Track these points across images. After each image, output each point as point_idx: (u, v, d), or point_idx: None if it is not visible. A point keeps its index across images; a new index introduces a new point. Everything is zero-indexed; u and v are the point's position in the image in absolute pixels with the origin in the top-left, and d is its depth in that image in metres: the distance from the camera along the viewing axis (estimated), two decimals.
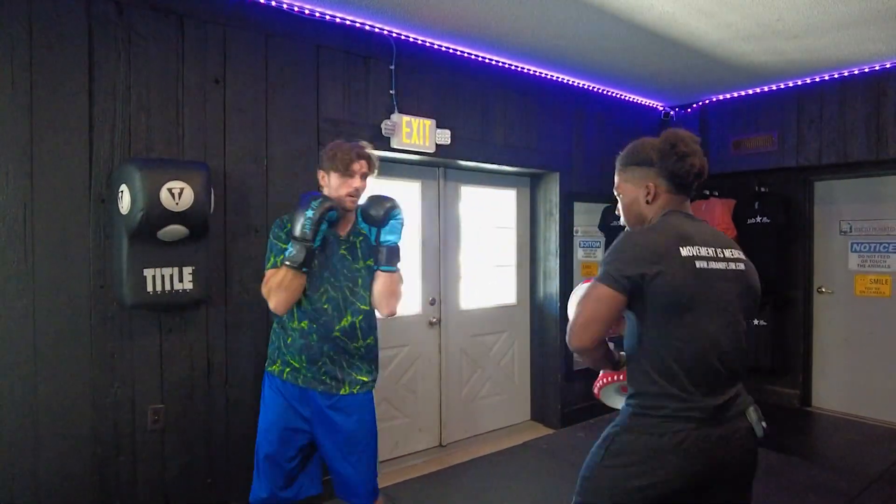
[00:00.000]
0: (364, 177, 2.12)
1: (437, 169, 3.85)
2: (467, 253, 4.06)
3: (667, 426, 1.42)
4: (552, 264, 4.25)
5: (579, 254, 5.06)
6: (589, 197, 4.53)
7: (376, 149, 3.23)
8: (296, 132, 2.96)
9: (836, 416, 4.60)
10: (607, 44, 3.50)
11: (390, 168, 3.62)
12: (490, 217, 4.24)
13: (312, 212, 1.95)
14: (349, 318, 2.09)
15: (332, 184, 2.09)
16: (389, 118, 3.23)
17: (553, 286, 4.26)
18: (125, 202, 2.23)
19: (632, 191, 1.68)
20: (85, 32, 2.37)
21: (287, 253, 1.97)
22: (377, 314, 2.21)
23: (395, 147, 3.25)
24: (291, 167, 2.94)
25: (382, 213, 2.08)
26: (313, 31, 2.99)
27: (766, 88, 4.44)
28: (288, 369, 2.10)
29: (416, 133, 3.30)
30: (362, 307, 2.12)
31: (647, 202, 1.64)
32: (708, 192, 5.06)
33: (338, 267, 2.10)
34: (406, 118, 3.26)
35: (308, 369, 2.08)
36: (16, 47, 2.23)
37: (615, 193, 1.75)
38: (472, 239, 4.09)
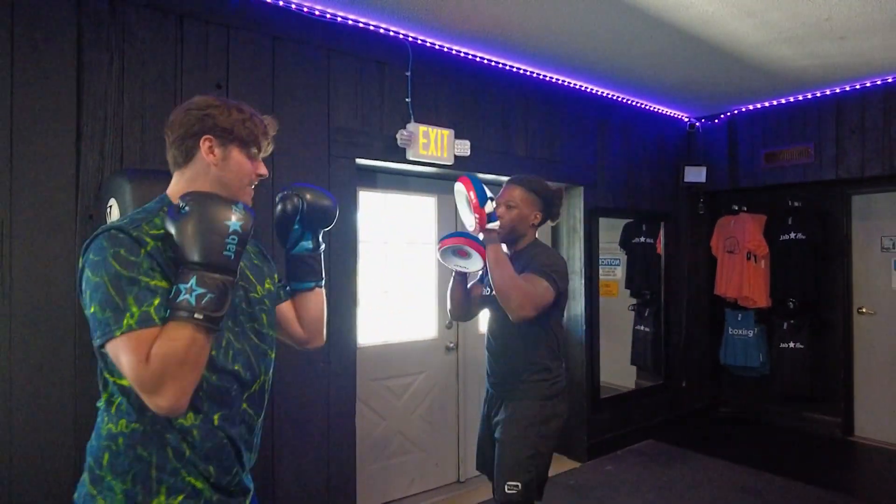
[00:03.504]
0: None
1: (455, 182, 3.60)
2: None
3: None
4: (576, 284, 3.98)
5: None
6: (615, 212, 4.27)
7: (391, 161, 3.04)
8: (304, 143, 2.72)
9: (881, 446, 4.27)
10: (636, 49, 3.27)
11: (405, 182, 3.38)
12: None
13: (239, 222, 1.12)
14: (262, 377, 1.30)
15: (229, 164, 1.23)
16: (405, 128, 2.99)
17: (578, 308, 3.97)
18: (114, 217, 1.98)
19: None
20: (74, 31, 2.15)
21: (188, 297, 1.05)
22: (304, 347, 1.55)
23: (412, 159, 3.01)
24: (300, 180, 2.69)
25: (335, 208, 1.48)
26: (324, 33, 2.77)
27: (801, 97, 4.19)
28: (181, 498, 1.15)
29: (433, 144, 3.06)
30: (272, 355, 1.35)
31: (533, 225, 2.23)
32: (737, 208, 4.82)
33: (234, 301, 1.26)
34: (423, 128, 3.02)
35: (216, 487, 1.20)
36: None
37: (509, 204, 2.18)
38: None
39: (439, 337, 3.55)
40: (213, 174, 1.23)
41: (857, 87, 3.92)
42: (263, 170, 1.31)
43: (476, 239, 2.13)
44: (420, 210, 3.51)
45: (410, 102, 3.04)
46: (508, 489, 2.00)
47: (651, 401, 4.59)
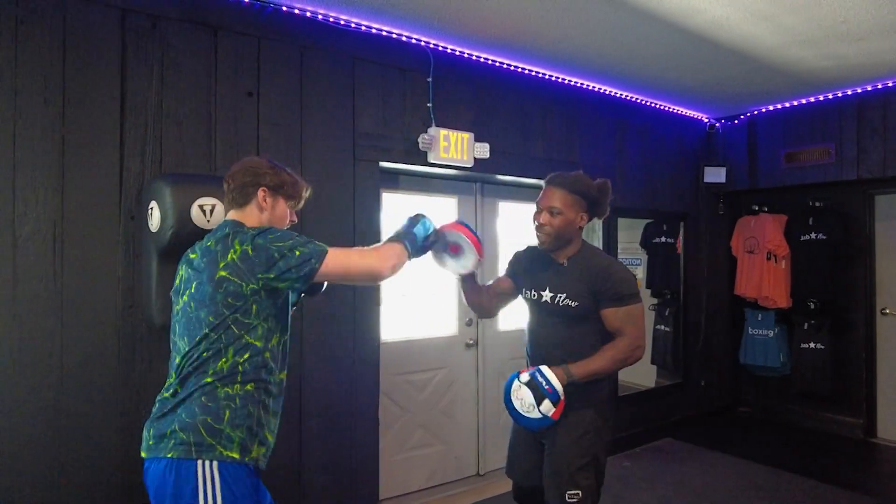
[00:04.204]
0: None
1: (475, 184, 3.71)
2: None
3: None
4: None
5: None
6: (633, 212, 4.33)
7: (413, 164, 3.15)
8: (331, 147, 2.85)
9: None
10: (653, 52, 3.33)
11: (426, 184, 3.50)
12: (529, 234, 4.06)
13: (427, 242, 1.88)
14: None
15: (276, 210, 1.69)
16: (427, 132, 3.11)
17: None
18: (155, 219, 2.13)
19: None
20: (118, 46, 2.32)
21: (406, 241, 1.76)
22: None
23: (432, 161, 3.13)
24: (326, 183, 2.83)
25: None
26: (349, 42, 2.90)
27: (822, 97, 4.19)
28: (263, 450, 1.60)
29: (453, 147, 3.17)
30: None
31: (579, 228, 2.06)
32: (757, 208, 4.82)
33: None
34: (444, 131, 3.13)
35: (273, 444, 1.67)
36: (49, 63, 2.18)
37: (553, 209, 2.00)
38: (510, 256, 3.91)
39: (459, 334, 3.65)
40: (265, 216, 1.67)
41: (879, 87, 3.91)
42: (295, 218, 1.78)
43: (471, 228, 2.02)
44: (441, 210, 3.62)
45: (432, 107, 3.15)
46: (570, 498, 1.93)
47: (670, 399, 4.63)
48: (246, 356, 1.53)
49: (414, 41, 3.10)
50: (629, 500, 3.36)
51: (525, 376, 1.91)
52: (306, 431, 2.75)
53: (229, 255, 1.51)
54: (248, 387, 1.54)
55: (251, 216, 1.65)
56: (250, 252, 1.50)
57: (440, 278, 3.62)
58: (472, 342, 3.68)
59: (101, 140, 2.28)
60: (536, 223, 2.04)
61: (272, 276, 1.50)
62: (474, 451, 3.69)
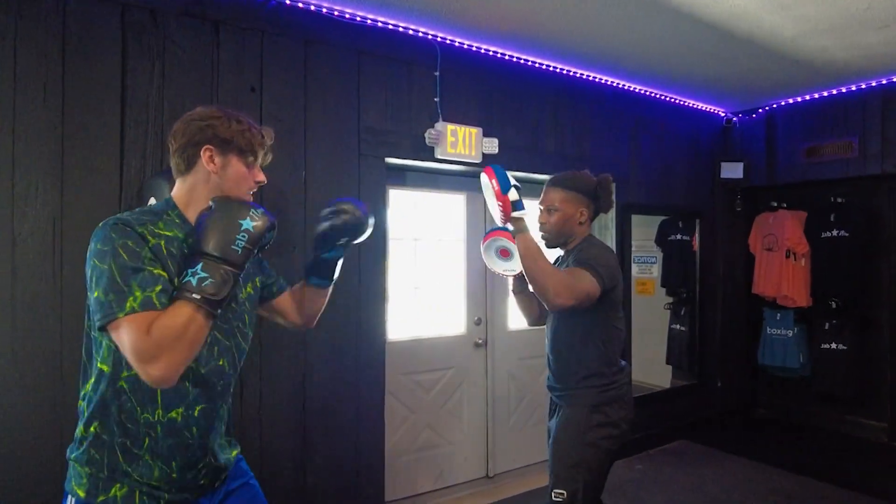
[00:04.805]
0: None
1: None
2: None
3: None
4: None
5: (633, 269, 4.75)
6: (647, 209, 4.23)
7: (419, 160, 3.09)
8: (335, 143, 2.80)
9: None
10: (668, 45, 3.23)
11: (434, 180, 3.44)
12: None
13: (253, 222, 1.20)
14: (237, 373, 1.41)
15: (228, 172, 1.29)
16: (434, 127, 3.04)
17: None
18: None
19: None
20: (119, 41, 2.28)
21: (191, 280, 1.13)
22: (297, 328, 1.74)
23: (440, 157, 3.06)
24: (331, 179, 2.78)
25: (369, 223, 1.55)
26: (354, 36, 2.85)
27: (844, 89, 4.05)
28: (138, 494, 1.23)
29: (461, 142, 3.10)
30: (245, 350, 1.43)
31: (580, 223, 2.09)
32: (776, 204, 4.69)
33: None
34: (451, 126, 3.07)
35: (179, 482, 1.28)
36: (49, 58, 2.15)
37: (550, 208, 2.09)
38: None
39: (468, 333, 3.59)
40: (213, 182, 1.29)
41: None
42: (261, 177, 1.38)
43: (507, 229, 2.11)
44: (449, 207, 3.56)
45: (439, 102, 3.09)
46: (555, 497, 1.93)
47: (685, 400, 4.53)
48: (91, 381, 1.24)
49: (421, 34, 3.04)
50: None
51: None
52: (309, 432, 2.71)
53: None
54: (92, 427, 1.23)
55: (197, 186, 1.29)
56: (88, 259, 1.18)
57: (448, 275, 3.57)
58: (481, 342, 3.61)
59: (102, 137, 2.25)
60: (539, 223, 2.12)
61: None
62: (483, 453, 3.63)
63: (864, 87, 3.96)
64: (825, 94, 4.16)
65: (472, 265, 3.60)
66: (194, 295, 1.12)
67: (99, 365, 1.22)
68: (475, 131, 3.15)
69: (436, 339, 3.47)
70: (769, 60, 3.47)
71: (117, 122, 2.28)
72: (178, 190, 1.32)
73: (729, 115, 4.76)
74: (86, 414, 1.25)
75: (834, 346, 4.39)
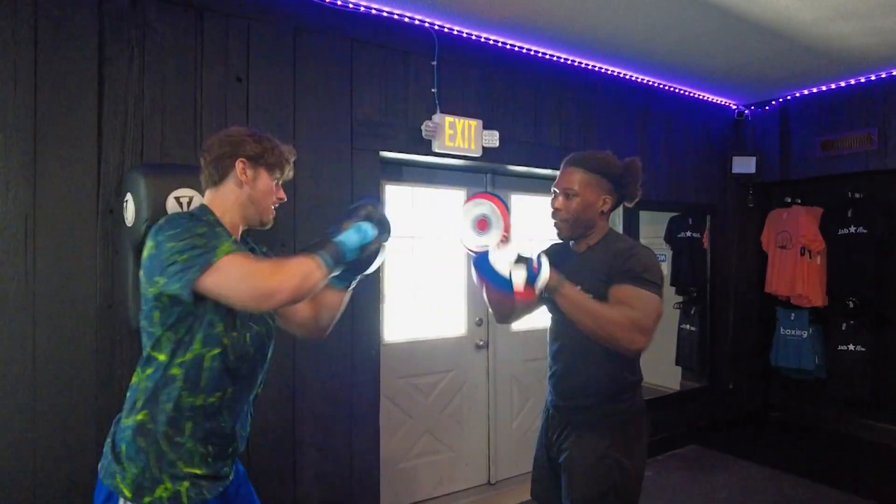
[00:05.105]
0: None
1: (485, 175, 3.50)
2: None
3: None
4: None
5: None
6: (655, 205, 4.07)
7: (416, 153, 2.96)
8: (327, 136, 2.67)
9: None
10: (677, 32, 3.08)
11: (431, 175, 3.30)
12: (544, 228, 3.84)
13: (368, 241, 1.44)
14: (265, 360, 1.48)
15: (258, 185, 1.42)
16: (431, 119, 2.91)
17: None
18: (129, 213, 1.98)
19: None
20: (95, 28, 2.16)
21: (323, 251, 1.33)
22: (309, 336, 1.68)
23: (437, 151, 2.93)
24: (322, 174, 2.65)
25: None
26: (346, 24, 2.72)
27: (863, 79, 3.87)
28: (187, 485, 1.30)
29: (460, 135, 2.97)
30: (273, 335, 1.51)
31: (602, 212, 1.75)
32: (790, 200, 4.52)
33: None
34: (449, 118, 2.93)
35: (213, 467, 1.36)
36: (20, 45, 2.03)
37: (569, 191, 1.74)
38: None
39: (468, 334, 3.46)
40: (244, 192, 1.41)
41: None
42: (283, 195, 1.49)
43: (501, 199, 1.72)
44: (449, 203, 3.42)
45: (436, 93, 2.95)
46: None
47: (695, 403, 4.37)
48: (148, 371, 1.32)
49: (417, 22, 2.90)
50: None
51: (525, 251, 1.59)
52: (300, 440, 2.59)
53: (144, 253, 1.31)
54: (140, 416, 1.30)
55: (228, 195, 1.41)
56: (154, 250, 1.27)
57: (447, 274, 3.43)
58: (482, 343, 3.48)
59: (77, 129, 2.13)
60: (552, 209, 1.77)
61: (164, 280, 1.25)
62: (485, 459, 3.49)
63: (884, 75, 3.78)
64: (842, 83, 3.99)
65: None
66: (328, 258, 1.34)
67: (153, 354, 1.31)
68: (475, 123, 3.01)
69: (435, 341, 3.33)
70: (784, 48, 3.31)
71: (94, 114, 2.16)
72: (212, 200, 1.43)
73: (741, 107, 4.59)
74: (137, 403, 1.32)
75: (851, 347, 4.21)
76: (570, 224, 1.74)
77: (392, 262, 3.15)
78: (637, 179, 1.76)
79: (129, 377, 2.12)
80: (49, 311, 2.07)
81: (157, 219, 1.87)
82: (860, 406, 4.26)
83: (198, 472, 1.32)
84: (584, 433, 1.70)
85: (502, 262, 1.55)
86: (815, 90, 4.16)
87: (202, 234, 1.26)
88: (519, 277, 1.52)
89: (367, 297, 2.78)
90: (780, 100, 4.38)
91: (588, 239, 1.78)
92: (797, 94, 4.27)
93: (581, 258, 1.78)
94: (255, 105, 2.49)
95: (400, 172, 3.18)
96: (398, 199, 3.22)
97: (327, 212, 2.66)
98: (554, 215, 1.77)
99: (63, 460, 2.09)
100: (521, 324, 3.62)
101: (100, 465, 1.36)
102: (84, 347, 2.13)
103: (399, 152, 2.89)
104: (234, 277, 1.23)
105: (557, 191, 1.76)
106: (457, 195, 3.43)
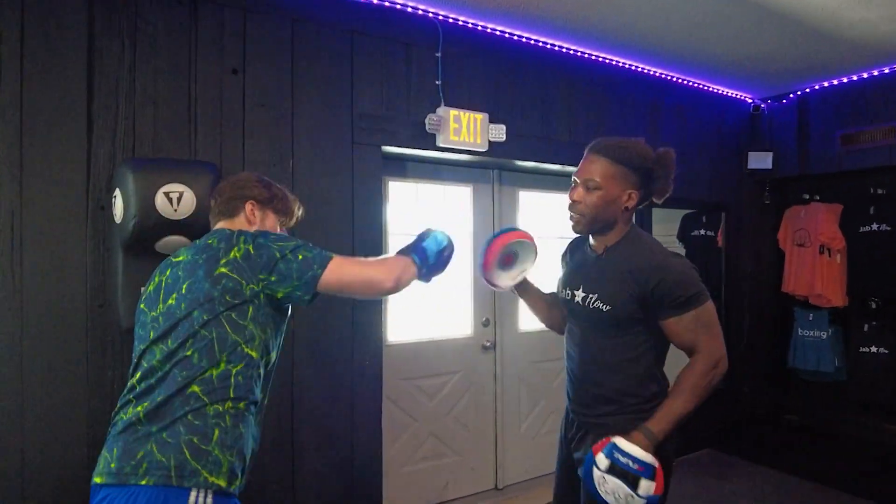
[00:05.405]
0: None
1: (492, 171, 3.40)
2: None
3: None
4: None
5: None
6: (668, 202, 3.92)
7: (419, 148, 2.86)
8: (326, 130, 2.59)
9: None
10: (690, 22, 2.96)
11: (437, 171, 3.20)
12: (553, 226, 3.74)
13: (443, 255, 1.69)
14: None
15: (265, 224, 1.60)
16: (435, 112, 2.81)
17: None
18: (118, 209, 1.91)
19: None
20: (85, 19, 2.09)
21: (415, 255, 1.59)
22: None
23: (442, 146, 2.83)
24: (321, 169, 2.57)
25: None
26: (347, 14, 2.63)
27: (886, 69, 3.72)
28: (239, 479, 1.38)
29: (465, 129, 2.87)
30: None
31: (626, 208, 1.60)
32: (808, 196, 4.37)
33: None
34: (454, 112, 2.83)
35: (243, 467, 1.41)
36: (5, 38, 1.96)
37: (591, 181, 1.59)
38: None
39: (475, 335, 3.35)
40: (253, 229, 1.53)
41: None
42: None
43: (515, 228, 1.80)
44: (454, 200, 3.32)
45: (441, 85, 2.85)
46: None
47: (709, 406, 4.22)
48: (240, 366, 1.35)
49: (420, 12, 2.80)
50: None
51: (603, 460, 1.45)
52: (298, 444, 2.50)
53: (232, 253, 1.38)
54: (241, 404, 1.36)
55: (242, 226, 1.55)
56: (252, 251, 1.38)
57: (453, 272, 3.33)
58: (489, 344, 3.38)
59: (66, 122, 2.06)
60: (570, 200, 1.62)
61: (273, 278, 1.37)
62: (492, 463, 3.39)
63: None
64: (865, 75, 3.83)
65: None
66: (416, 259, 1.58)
67: (247, 350, 1.37)
68: (481, 117, 2.91)
69: (440, 342, 3.24)
70: (803, 37, 3.17)
71: (84, 107, 2.08)
72: (229, 226, 1.55)
73: (757, 101, 4.44)
74: (230, 392, 1.34)
75: (873, 349, 4.06)
76: (588, 219, 1.59)
77: None
78: (669, 174, 1.61)
79: (122, 378, 2.09)
80: (37, 311, 2.00)
81: (146, 215, 1.83)
82: (882, 410, 4.10)
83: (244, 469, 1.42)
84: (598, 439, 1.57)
85: (625, 494, 1.43)
86: (835, 82, 4.01)
87: (301, 240, 1.46)
88: (647, 489, 1.42)
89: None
90: (799, 93, 4.23)
91: (607, 238, 1.63)
92: (816, 87, 4.12)
93: (599, 262, 1.64)
94: (252, 98, 2.41)
95: (403, 168, 3.08)
96: (401, 195, 3.12)
97: (327, 208, 2.57)
98: (571, 207, 1.62)
99: (53, 464, 2.02)
100: (530, 325, 3.54)
101: (145, 471, 1.24)
102: (74, 348, 2.06)
103: (402, 147, 2.79)
104: (354, 271, 1.44)
105: (577, 180, 1.60)
106: (463, 191, 3.33)
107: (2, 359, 1.95)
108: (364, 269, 1.46)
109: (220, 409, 1.32)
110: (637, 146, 1.61)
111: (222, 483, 1.28)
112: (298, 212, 1.71)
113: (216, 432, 1.30)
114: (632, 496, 1.41)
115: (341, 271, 1.41)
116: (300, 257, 1.38)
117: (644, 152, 1.59)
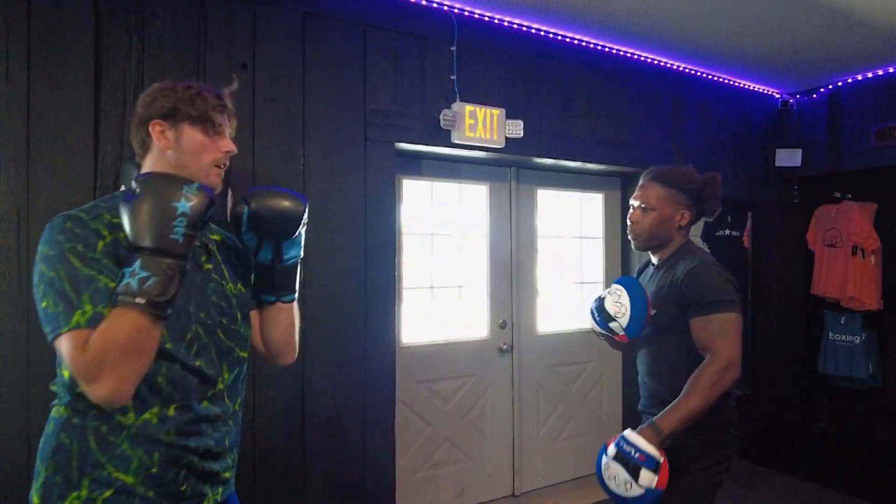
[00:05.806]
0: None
1: (509, 169, 3.31)
2: (545, 267, 3.47)
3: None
4: None
5: None
6: None
7: (434, 145, 2.79)
8: (338, 126, 2.52)
9: None
10: (715, 14, 2.83)
11: (452, 168, 3.13)
12: (572, 225, 3.64)
13: (189, 202, 1.03)
14: (226, 375, 1.23)
15: (184, 144, 1.16)
16: (450, 108, 2.73)
17: None
18: None
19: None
20: (91, 14, 2.05)
21: (131, 281, 0.99)
22: (270, 363, 1.45)
23: (457, 142, 2.75)
24: (333, 167, 2.50)
25: (296, 215, 1.23)
26: (359, 7, 2.56)
27: None
28: (108, 494, 1.09)
29: (481, 125, 2.78)
30: (242, 355, 1.28)
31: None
32: (840, 195, 4.19)
33: (206, 292, 1.22)
34: (470, 107, 2.75)
35: (157, 479, 1.13)
36: (11, 33, 1.93)
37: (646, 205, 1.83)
38: (550, 251, 3.50)
39: (491, 337, 3.27)
40: (170, 158, 1.17)
41: None
42: (229, 146, 1.22)
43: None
44: (470, 199, 3.24)
45: (456, 80, 2.77)
46: None
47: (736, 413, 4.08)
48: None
49: (435, 5, 2.73)
50: None
51: (612, 448, 1.58)
52: (309, 448, 2.44)
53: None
54: (63, 410, 1.13)
55: (157, 166, 1.17)
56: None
57: (469, 273, 3.25)
58: (506, 347, 3.29)
59: (73, 119, 2.02)
60: (629, 222, 1.87)
61: None
62: (509, 469, 3.30)
63: None
64: None
65: (496, 262, 3.27)
66: (137, 299, 0.99)
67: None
68: (497, 112, 2.82)
69: (455, 344, 3.16)
70: (836, 27, 3.02)
71: (91, 103, 2.05)
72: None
73: (785, 96, 4.29)
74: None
75: None
76: (645, 238, 1.83)
77: (410, 260, 2.99)
78: (716, 195, 1.85)
79: None
80: None
81: None
82: None
83: (129, 481, 1.17)
84: (678, 476, 1.63)
85: (622, 481, 1.52)
86: (869, 75, 3.84)
87: (73, 277, 1.03)
88: (648, 480, 1.49)
89: (382, 298, 2.62)
90: (830, 86, 4.06)
91: (662, 252, 1.86)
92: (849, 80, 3.95)
93: (655, 274, 1.87)
94: (262, 93, 2.35)
95: (418, 166, 3.01)
96: (416, 193, 3.05)
97: (338, 207, 2.51)
98: (630, 228, 1.87)
99: None
100: (548, 327, 3.44)
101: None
102: None
103: (416, 144, 2.72)
104: (66, 357, 1.01)
105: (635, 205, 1.85)
106: (479, 189, 3.24)
107: (7, 360, 1.92)
108: (82, 355, 1.00)
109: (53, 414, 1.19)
110: (687, 172, 1.86)
111: (35, 500, 1.16)
112: (227, 104, 1.23)
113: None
114: (630, 483, 1.50)
115: (63, 354, 1.02)
116: (43, 304, 1.04)
117: (691, 176, 1.85)
